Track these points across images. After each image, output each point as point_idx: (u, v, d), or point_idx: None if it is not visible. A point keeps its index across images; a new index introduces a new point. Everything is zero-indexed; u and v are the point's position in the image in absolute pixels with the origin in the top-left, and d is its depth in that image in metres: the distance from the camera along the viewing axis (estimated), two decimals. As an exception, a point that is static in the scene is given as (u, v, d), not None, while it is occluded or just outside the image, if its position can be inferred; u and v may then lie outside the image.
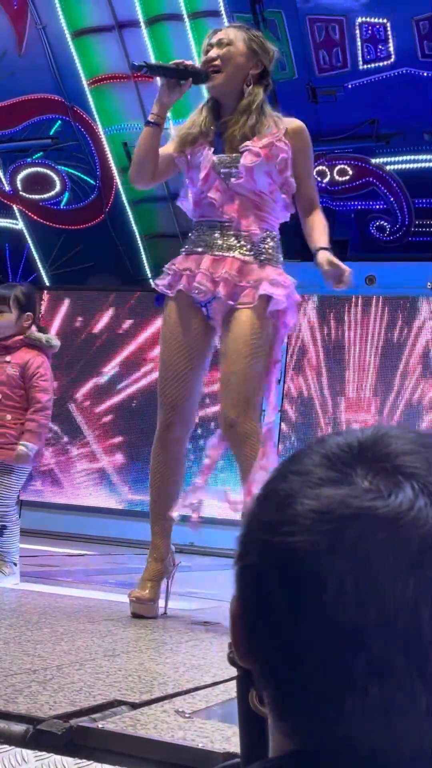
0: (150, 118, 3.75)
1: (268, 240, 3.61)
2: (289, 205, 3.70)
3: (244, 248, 3.57)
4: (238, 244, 3.57)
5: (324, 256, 3.60)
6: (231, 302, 3.54)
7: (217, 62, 3.62)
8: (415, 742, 0.62)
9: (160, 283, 3.75)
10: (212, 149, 3.62)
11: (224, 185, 3.59)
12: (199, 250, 3.63)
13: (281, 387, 8.77)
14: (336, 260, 3.60)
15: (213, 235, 3.61)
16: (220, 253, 3.57)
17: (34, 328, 4.95)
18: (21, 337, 4.85)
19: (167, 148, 3.79)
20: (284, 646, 0.65)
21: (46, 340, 4.96)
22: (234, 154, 3.59)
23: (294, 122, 3.70)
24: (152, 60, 3.58)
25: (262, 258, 3.58)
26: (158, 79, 3.76)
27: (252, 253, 3.57)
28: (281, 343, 3.68)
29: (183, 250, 3.74)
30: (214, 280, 3.56)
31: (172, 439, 3.74)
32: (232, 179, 3.57)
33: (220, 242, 3.59)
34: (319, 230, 3.70)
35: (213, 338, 3.71)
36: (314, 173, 3.80)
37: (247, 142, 3.56)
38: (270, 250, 3.61)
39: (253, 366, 3.53)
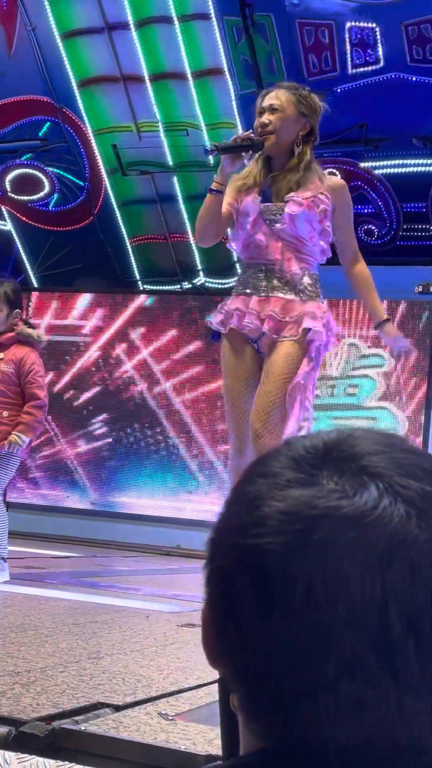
0: (213, 186, 4.05)
1: (307, 278, 4.01)
2: (326, 250, 4.10)
3: (286, 288, 3.99)
4: (281, 285, 3.99)
5: (390, 332, 4.30)
6: (275, 336, 3.94)
7: (269, 128, 3.97)
8: (387, 738, 0.63)
9: (214, 321, 4.12)
10: (260, 198, 4.01)
11: (270, 230, 3.99)
12: (248, 291, 4.03)
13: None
14: (398, 334, 4.30)
15: (259, 278, 4.02)
16: (265, 294, 3.98)
17: (22, 324, 5.00)
18: (13, 333, 4.89)
19: (225, 200, 4.10)
20: (254, 647, 0.65)
21: (37, 335, 5.04)
22: (279, 204, 3.98)
23: (336, 180, 4.19)
24: (221, 142, 4.11)
25: (302, 296, 3.98)
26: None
27: (293, 292, 3.98)
28: (317, 367, 4.08)
29: (234, 290, 4.13)
30: (260, 318, 3.96)
31: (244, 464, 4.00)
32: (277, 225, 3.97)
33: (265, 284, 4.00)
34: (373, 296, 4.29)
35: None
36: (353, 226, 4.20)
37: (292, 193, 3.96)
38: (309, 288, 4.01)
39: (283, 387, 3.90)
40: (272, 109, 3.99)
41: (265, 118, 3.99)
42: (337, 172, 8.97)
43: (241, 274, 4.15)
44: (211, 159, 9.57)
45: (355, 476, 0.65)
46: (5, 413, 4.78)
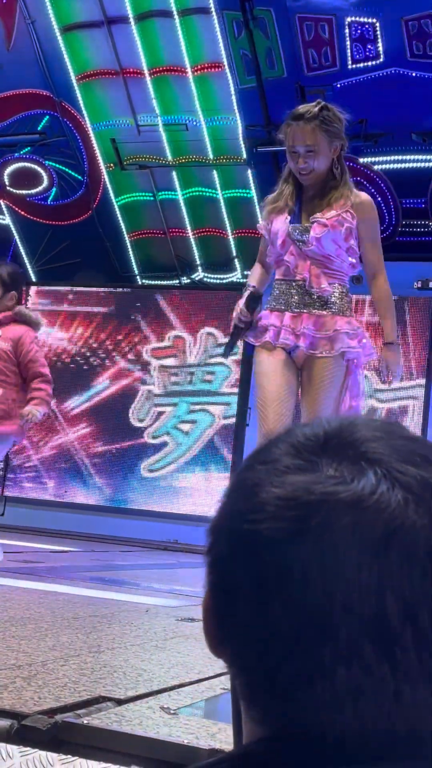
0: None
1: (336, 293, 4.12)
2: (356, 265, 4.22)
3: (317, 303, 4.12)
4: (312, 302, 4.12)
5: (388, 356, 4.26)
6: (312, 352, 4.08)
7: (309, 171, 4.10)
8: (383, 726, 0.63)
9: (249, 338, 4.26)
10: (289, 218, 4.13)
11: (298, 250, 4.12)
12: (282, 308, 4.16)
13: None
14: (395, 360, 4.27)
15: (291, 294, 4.15)
16: (298, 311, 4.12)
17: (22, 307, 5.05)
18: (9, 313, 4.91)
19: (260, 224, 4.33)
20: (253, 633, 0.65)
21: (35, 320, 5.08)
22: (306, 225, 4.11)
23: (362, 197, 4.22)
24: (227, 344, 4.53)
25: (333, 310, 4.11)
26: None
27: (325, 308, 4.11)
28: (358, 381, 4.22)
29: (267, 305, 4.25)
30: (296, 334, 4.10)
31: None
32: (304, 245, 4.10)
33: (296, 299, 4.13)
34: (386, 315, 4.31)
35: (297, 374, 4.23)
36: (380, 242, 4.28)
37: (317, 214, 4.08)
38: (338, 302, 4.13)
39: (324, 405, 4.07)
40: (307, 151, 4.06)
41: (302, 164, 4.07)
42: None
43: (274, 290, 4.27)
44: (211, 157, 9.57)
45: (354, 462, 0.65)
46: (0, 390, 4.79)
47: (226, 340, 4.81)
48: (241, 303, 4.23)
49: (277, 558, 0.63)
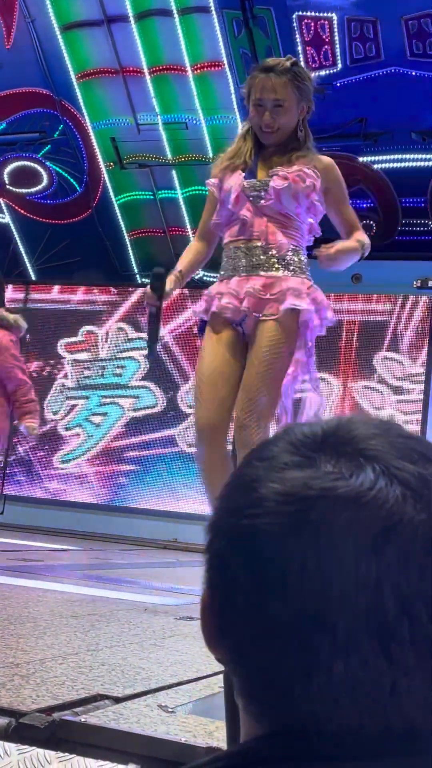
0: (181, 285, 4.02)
1: (294, 255, 3.76)
2: (315, 228, 3.86)
3: (270, 262, 3.74)
4: (264, 261, 3.74)
5: (336, 245, 3.77)
6: (256, 314, 3.69)
7: (275, 129, 3.78)
8: (380, 720, 0.63)
9: (198, 310, 3.94)
10: (243, 174, 3.81)
11: (254, 207, 3.77)
12: (229, 274, 3.80)
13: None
14: (339, 248, 3.74)
15: (239, 257, 3.79)
16: (246, 273, 3.75)
17: (1, 310, 5.05)
18: None
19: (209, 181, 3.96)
20: (251, 628, 0.66)
21: (14, 320, 5.07)
22: (264, 179, 3.78)
23: (326, 160, 3.90)
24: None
25: (288, 270, 3.74)
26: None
27: (278, 266, 3.73)
28: (311, 350, 3.81)
29: (218, 276, 3.91)
30: (240, 298, 3.71)
31: (213, 436, 3.74)
32: (261, 201, 3.75)
33: (244, 262, 3.76)
34: (353, 240, 3.84)
35: (243, 356, 3.81)
36: (350, 204, 3.98)
37: (277, 168, 3.76)
38: (296, 263, 3.76)
39: (267, 377, 3.66)
40: (275, 105, 3.74)
41: (268, 118, 3.75)
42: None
43: (223, 257, 3.89)
44: (211, 155, 9.57)
45: (352, 459, 0.66)
46: None
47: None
48: (147, 288, 3.86)
49: (276, 552, 0.64)
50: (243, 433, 3.64)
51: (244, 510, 0.67)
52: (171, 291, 3.90)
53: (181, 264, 4.00)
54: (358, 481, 0.64)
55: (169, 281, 3.88)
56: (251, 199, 3.76)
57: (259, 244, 3.75)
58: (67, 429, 9.99)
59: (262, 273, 3.71)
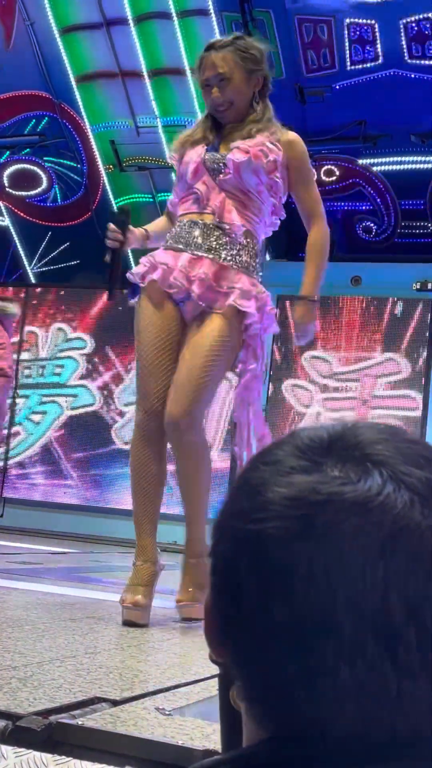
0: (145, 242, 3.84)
1: (248, 246, 3.59)
2: (278, 209, 3.69)
3: (223, 250, 3.55)
4: (217, 245, 3.55)
5: (303, 313, 3.67)
6: (201, 303, 3.52)
7: (225, 106, 3.64)
8: (385, 725, 0.63)
9: (134, 272, 3.69)
10: (206, 147, 3.65)
11: (212, 181, 3.59)
12: (180, 246, 3.59)
13: (265, 387, 8.85)
14: (306, 322, 3.67)
15: (194, 234, 3.58)
16: (200, 253, 3.54)
17: None
18: None
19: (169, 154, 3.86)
20: (256, 632, 0.66)
21: (1, 308, 5.12)
22: (225, 153, 3.61)
23: (291, 134, 3.70)
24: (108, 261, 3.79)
25: (239, 264, 3.56)
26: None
27: (230, 257, 3.55)
28: (259, 356, 3.62)
29: (163, 244, 3.70)
30: (189, 279, 3.52)
31: (155, 429, 3.59)
32: (220, 176, 3.57)
33: (200, 241, 3.56)
34: (311, 266, 3.67)
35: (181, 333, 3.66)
36: (315, 185, 3.75)
37: (238, 142, 3.59)
38: (248, 258, 3.58)
39: (209, 372, 3.48)
40: (220, 80, 3.59)
41: (216, 94, 3.60)
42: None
43: (174, 228, 3.69)
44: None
45: (359, 463, 0.66)
46: None
47: None
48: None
49: (283, 557, 0.64)
50: (176, 435, 3.50)
51: (250, 514, 0.67)
52: (134, 237, 3.72)
53: (149, 226, 3.85)
54: (366, 486, 0.64)
55: (134, 235, 3.74)
56: (211, 172, 3.59)
57: (211, 221, 3.56)
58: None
59: (218, 260, 3.52)
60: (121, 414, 9.71)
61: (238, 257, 3.56)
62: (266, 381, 8.97)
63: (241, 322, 3.54)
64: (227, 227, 3.55)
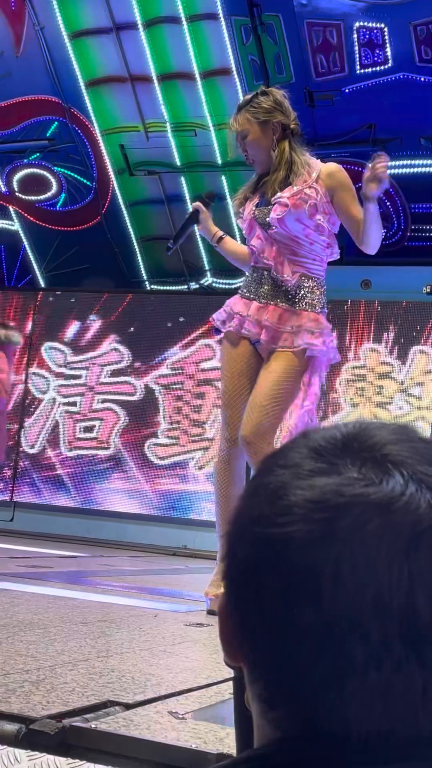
0: (213, 242, 4.40)
1: (304, 286, 4.03)
2: (332, 246, 4.09)
3: (283, 296, 4.03)
4: (277, 293, 4.04)
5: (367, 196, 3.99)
6: (273, 346, 4.02)
7: (251, 160, 4.12)
8: (411, 724, 0.63)
9: (217, 318, 4.22)
10: (257, 201, 4.08)
11: (265, 234, 4.04)
12: (250, 296, 4.11)
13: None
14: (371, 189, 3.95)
15: (260, 283, 4.09)
16: (265, 301, 4.06)
17: None
18: None
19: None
20: (281, 636, 0.65)
21: (5, 336, 5.14)
22: (270, 207, 4.01)
23: (328, 166, 4.09)
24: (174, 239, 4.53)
25: (302, 305, 4.02)
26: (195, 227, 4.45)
27: (290, 301, 4.03)
28: (317, 382, 4.09)
29: (239, 291, 4.21)
30: (259, 325, 4.04)
31: (233, 455, 4.12)
32: (270, 230, 4.01)
33: (266, 289, 4.07)
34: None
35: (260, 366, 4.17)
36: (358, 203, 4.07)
37: (278, 194, 3.97)
38: (308, 296, 4.03)
39: (276, 397, 3.97)
40: (242, 138, 4.07)
41: (243, 152, 4.11)
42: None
43: (247, 277, 4.22)
44: (220, 163, 9.58)
45: (379, 464, 0.66)
46: None
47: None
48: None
49: (308, 560, 0.64)
50: (249, 447, 3.98)
51: (272, 518, 0.66)
52: (208, 224, 4.30)
53: (228, 238, 4.38)
54: (389, 487, 0.64)
55: (212, 224, 4.32)
56: (262, 227, 4.04)
57: (272, 274, 4.03)
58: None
59: (281, 304, 4.02)
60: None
61: (298, 299, 4.02)
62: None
63: (305, 353, 4.01)
64: (281, 282, 4.03)
